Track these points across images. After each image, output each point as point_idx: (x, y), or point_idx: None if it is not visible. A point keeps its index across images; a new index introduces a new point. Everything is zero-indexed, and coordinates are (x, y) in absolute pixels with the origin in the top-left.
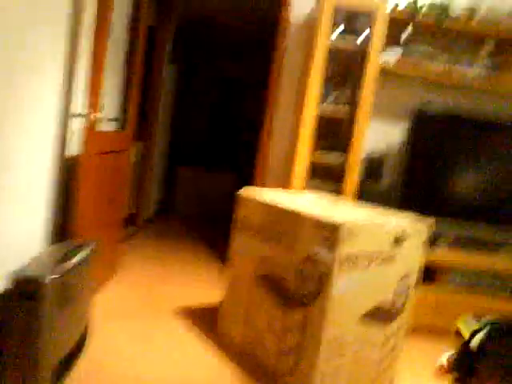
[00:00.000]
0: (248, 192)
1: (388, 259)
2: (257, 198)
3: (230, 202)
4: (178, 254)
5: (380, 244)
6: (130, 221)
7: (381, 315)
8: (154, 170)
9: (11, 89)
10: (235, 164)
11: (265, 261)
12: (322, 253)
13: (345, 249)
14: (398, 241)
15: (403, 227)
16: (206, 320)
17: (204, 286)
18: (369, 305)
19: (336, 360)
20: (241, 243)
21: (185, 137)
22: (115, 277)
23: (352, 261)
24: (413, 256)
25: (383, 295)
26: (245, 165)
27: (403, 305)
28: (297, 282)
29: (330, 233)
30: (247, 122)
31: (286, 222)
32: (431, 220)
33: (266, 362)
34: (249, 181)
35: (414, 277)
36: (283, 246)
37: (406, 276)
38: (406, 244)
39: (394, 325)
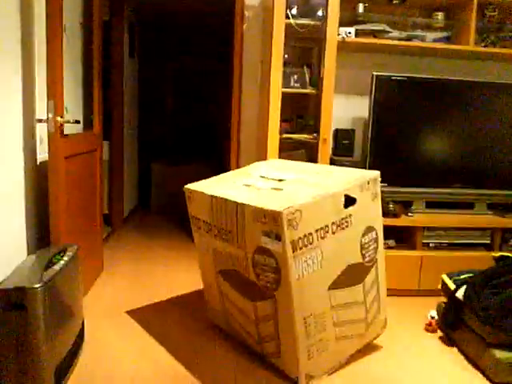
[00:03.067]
0: (195, 186)
1: (344, 223)
2: (202, 190)
3: None
4: (158, 249)
5: (330, 214)
6: (105, 221)
7: (354, 273)
8: (124, 168)
9: None
10: (210, 154)
11: (221, 256)
12: (271, 243)
13: (292, 234)
14: (347, 203)
15: (350, 188)
16: (198, 307)
17: (188, 275)
18: (337, 270)
19: (318, 334)
20: (198, 239)
21: (154, 132)
22: (102, 275)
23: (304, 241)
24: (369, 208)
25: (350, 255)
26: (219, 153)
27: (375, 253)
28: (256, 274)
29: (271, 223)
30: (215, 111)
31: (230, 214)
32: (376, 172)
33: (253, 346)
34: (225, 168)
35: (377, 226)
36: (233, 240)
37: (368, 229)
38: (357, 202)
39: (372, 275)
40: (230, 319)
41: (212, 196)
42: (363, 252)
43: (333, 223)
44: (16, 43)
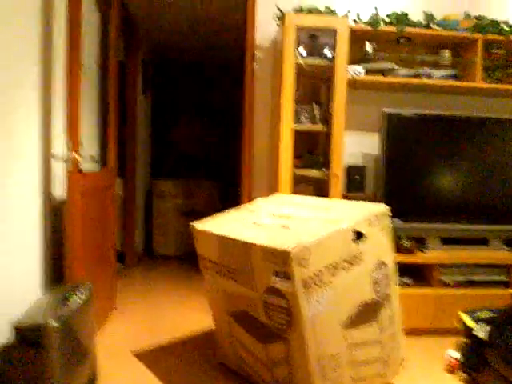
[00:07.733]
0: (202, 225)
1: (354, 259)
2: (210, 230)
3: None
4: (171, 287)
5: (340, 250)
6: (118, 259)
7: (367, 310)
8: (137, 206)
9: None
10: (223, 188)
11: (231, 296)
12: (281, 282)
13: (302, 272)
14: (357, 238)
15: (358, 223)
16: (208, 347)
17: (200, 315)
18: (351, 309)
19: (333, 374)
20: (207, 279)
21: (166, 168)
22: (114, 313)
23: (315, 280)
24: (380, 243)
25: (362, 292)
26: (232, 188)
27: (388, 289)
28: (267, 315)
29: (280, 262)
30: (228, 146)
31: (239, 254)
32: (384, 205)
33: None
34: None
35: (389, 260)
36: (243, 280)
37: (380, 264)
38: (367, 236)
39: (386, 312)
40: (240, 361)
41: (219, 235)
42: (375, 287)
43: (343, 260)
44: (36, 77)
